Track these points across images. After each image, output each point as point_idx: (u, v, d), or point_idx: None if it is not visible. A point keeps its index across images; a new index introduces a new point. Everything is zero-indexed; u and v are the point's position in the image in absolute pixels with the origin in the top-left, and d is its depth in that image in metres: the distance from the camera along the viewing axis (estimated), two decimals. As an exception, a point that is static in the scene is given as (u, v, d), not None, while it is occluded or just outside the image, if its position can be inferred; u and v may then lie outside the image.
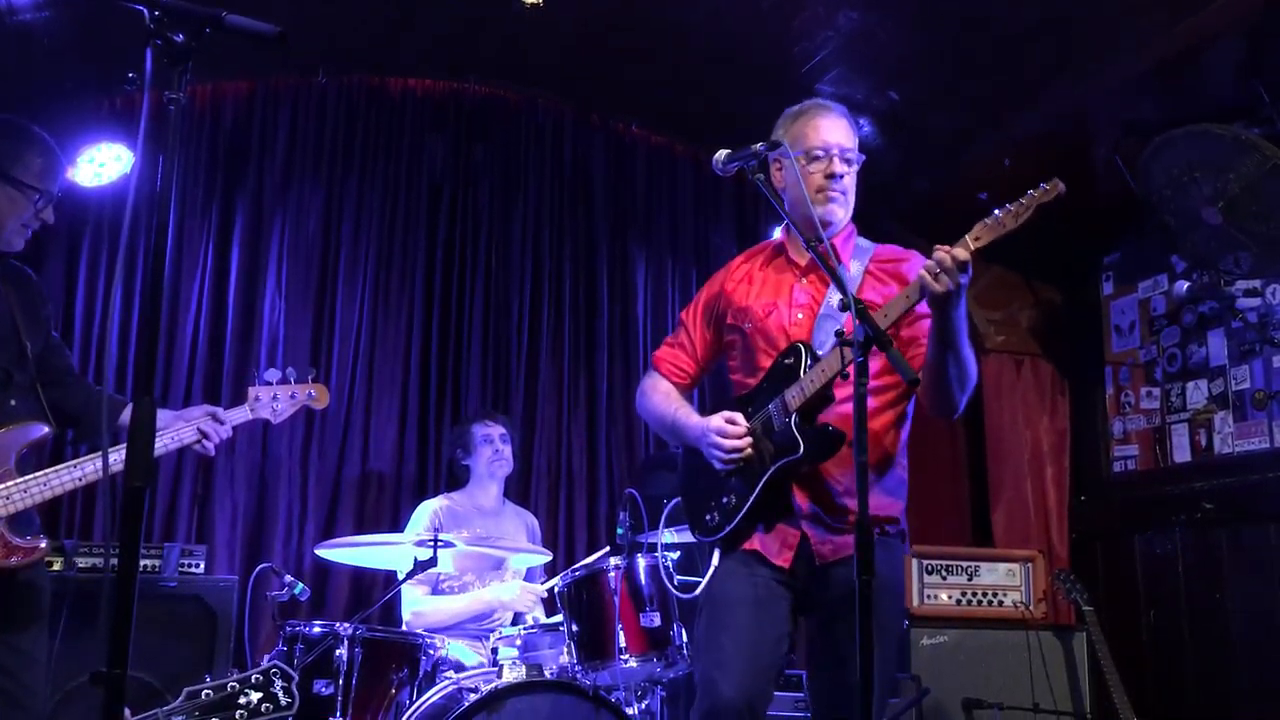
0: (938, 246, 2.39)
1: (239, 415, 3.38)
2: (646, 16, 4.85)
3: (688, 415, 2.90)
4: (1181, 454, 5.08)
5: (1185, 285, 4.63)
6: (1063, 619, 5.00)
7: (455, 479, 4.83)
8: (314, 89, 5.40)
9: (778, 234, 5.49)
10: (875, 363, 2.63)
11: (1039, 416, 5.66)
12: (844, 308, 2.27)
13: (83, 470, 2.90)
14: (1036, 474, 5.58)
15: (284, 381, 3.52)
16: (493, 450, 4.60)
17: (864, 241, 2.91)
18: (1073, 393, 5.74)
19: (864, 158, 2.86)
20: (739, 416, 2.74)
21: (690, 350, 3.04)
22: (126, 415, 3.05)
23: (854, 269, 2.81)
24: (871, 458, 2.68)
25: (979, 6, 4.29)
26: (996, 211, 2.37)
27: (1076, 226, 4.85)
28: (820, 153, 2.79)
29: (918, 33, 4.55)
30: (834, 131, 2.81)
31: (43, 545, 2.84)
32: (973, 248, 2.37)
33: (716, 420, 2.74)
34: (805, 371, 2.63)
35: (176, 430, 3.10)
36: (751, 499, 2.69)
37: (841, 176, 2.80)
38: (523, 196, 5.67)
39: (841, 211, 2.83)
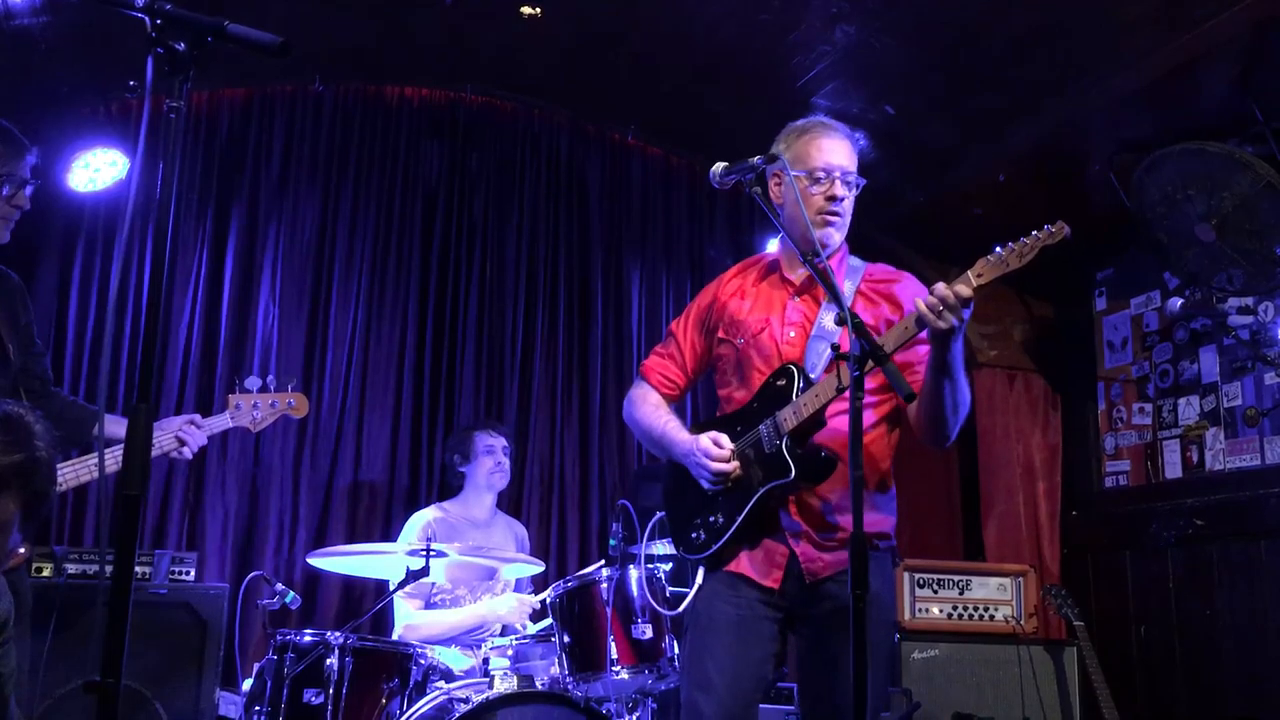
0: (937, 285, 2.37)
1: (219, 423, 3.43)
2: (644, 27, 4.86)
3: (676, 430, 2.87)
4: (1173, 470, 5.10)
5: (1178, 302, 4.65)
6: (1053, 634, 5.01)
7: (447, 485, 4.81)
8: (310, 96, 5.40)
9: (771, 248, 5.55)
10: (871, 380, 2.63)
11: (1031, 431, 5.67)
12: (840, 322, 2.27)
13: (63, 474, 2.90)
14: (1028, 489, 5.59)
15: (264, 390, 3.55)
16: (494, 462, 4.58)
17: (855, 260, 2.90)
18: (1065, 408, 5.75)
19: (864, 181, 2.83)
20: (725, 439, 2.72)
21: (680, 361, 3.02)
22: (114, 429, 3.06)
23: (846, 289, 2.79)
24: (866, 473, 2.68)
25: (974, 22, 4.30)
26: (999, 249, 2.35)
27: (1069, 242, 4.87)
28: (822, 174, 2.76)
29: (913, 47, 4.57)
30: (837, 153, 2.79)
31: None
32: (975, 284, 2.35)
33: (704, 440, 2.72)
34: (798, 394, 2.62)
35: (156, 437, 3.11)
36: (739, 520, 2.67)
37: (841, 200, 2.78)
38: (518, 205, 5.67)
39: (838, 235, 2.82)
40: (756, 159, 2.61)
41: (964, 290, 2.34)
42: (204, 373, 5.03)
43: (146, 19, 1.75)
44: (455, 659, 3.97)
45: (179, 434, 3.19)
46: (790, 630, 2.75)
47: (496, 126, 5.72)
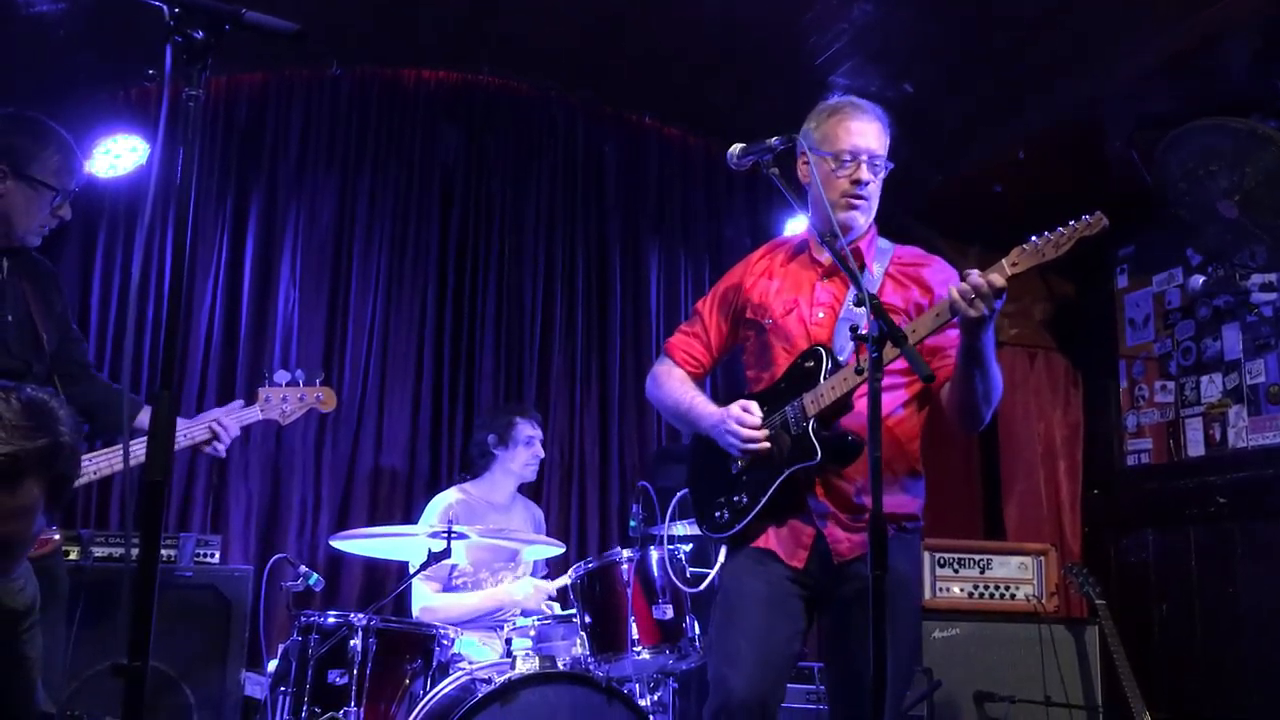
0: (970, 271, 2.36)
1: (249, 415, 3.45)
2: (660, 7, 4.84)
3: (704, 404, 2.87)
4: (1195, 448, 5.07)
5: (1200, 279, 4.61)
6: (1075, 612, 5.00)
7: (469, 463, 4.80)
8: (327, 81, 5.40)
9: (790, 229, 5.54)
10: (899, 363, 2.62)
11: (1052, 410, 5.65)
12: (858, 303, 2.26)
13: (96, 464, 2.93)
14: (1049, 467, 5.58)
15: (293, 384, 3.58)
16: (533, 454, 4.58)
17: (884, 243, 2.88)
18: (1086, 386, 5.73)
19: (892, 165, 2.80)
20: (754, 405, 2.72)
21: (705, 340, 3.01)
22: (143, 417, 3.10)
23: (875, 271, 2.78)
24: (893, 456, 2.67)
25: (993, -2, 4.28)
26: (1034, 239, 2.33)
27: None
28: (848, 157, 2.74)
29: (931, 24, 4.53)
30: (865, 136, 2.76)
31: (56, 538, 2.87)
32: (1009, 274, 2.34)
33: (735, 408, 2.72)
34: (825, 376, 2.61)
35: (188, 429, 3.15)
36: (764, 500, 2.68)
37: (867, 184, 2.75)
38: (535, 187, 5.66)
39: (863, 219, 2.80)
40: (774, 140, 2.59)
41: (998, 280, 2.33)
42: (226, 358, 5.05)
43: (164, 7, 1.76)
44: (475, 650, 3.99)
45: (213, 425, 3.23)
46: (816, 610, 2.75)
47: (513, 108, 5.70)
